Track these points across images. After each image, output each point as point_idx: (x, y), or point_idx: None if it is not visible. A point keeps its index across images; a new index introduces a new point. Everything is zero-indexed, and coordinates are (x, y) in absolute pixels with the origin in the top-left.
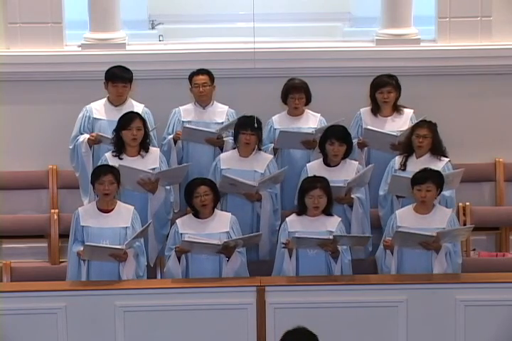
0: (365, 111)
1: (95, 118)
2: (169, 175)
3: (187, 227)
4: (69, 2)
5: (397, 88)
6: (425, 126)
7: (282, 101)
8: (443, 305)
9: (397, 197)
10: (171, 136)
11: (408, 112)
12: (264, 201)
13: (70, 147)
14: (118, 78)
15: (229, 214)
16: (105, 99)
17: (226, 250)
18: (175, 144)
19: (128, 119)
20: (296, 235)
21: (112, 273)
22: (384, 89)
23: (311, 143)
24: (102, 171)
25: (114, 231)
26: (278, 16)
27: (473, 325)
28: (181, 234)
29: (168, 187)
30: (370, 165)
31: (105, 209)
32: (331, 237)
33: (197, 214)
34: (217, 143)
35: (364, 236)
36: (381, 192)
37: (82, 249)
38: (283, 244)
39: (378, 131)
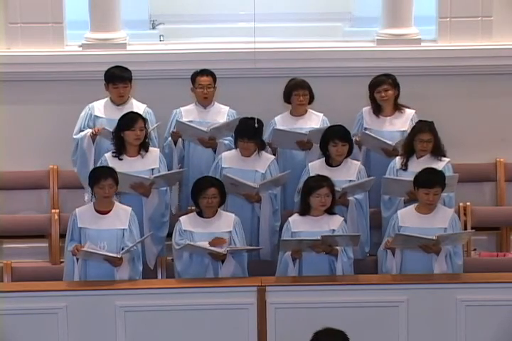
0: (367, 110)
1: (96, 116)
2: (165, 179)
3: (190, 225)
4: (69, 2)
5: (395, 86)
6: (427, 129)
7: (285, 101)
8: (444, 305)
9: (404, 202)
10: (170, 138)
11: (409, 112)
12: (264, 203)
13: (73, 143)
14: (118, 79)
15: (232, 215)
16: (108, 98)
17: (212, 256)
18: (175, 145)
19: (131, 120)
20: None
21: (109, 273)
22: (381, 88)
23: (305, 144)
24: (101, 175)
25: (112, 232)
26: (279, 16)
27: (473, 324)
28: (185, 230)
29: (163, 189)
30: (371, 178)
31: (103, 210)
32: (319, 238)
33: (201, 213)
34: (207, 143)
35: (354, 235)
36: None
37: (76, 248)
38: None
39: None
